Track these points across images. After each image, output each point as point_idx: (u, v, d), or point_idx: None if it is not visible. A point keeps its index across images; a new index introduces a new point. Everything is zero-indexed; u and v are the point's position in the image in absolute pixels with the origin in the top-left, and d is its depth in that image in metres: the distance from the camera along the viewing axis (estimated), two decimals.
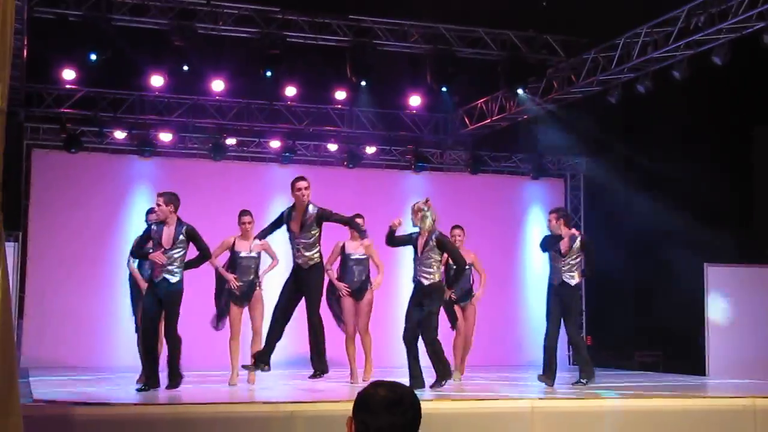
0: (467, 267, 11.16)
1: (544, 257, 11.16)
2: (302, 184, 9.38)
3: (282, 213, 9.61)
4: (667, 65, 12.13)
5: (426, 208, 9.65)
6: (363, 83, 13.33)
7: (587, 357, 10.39)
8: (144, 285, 9.88)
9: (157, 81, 14.06)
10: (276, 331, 9.44)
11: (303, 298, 9.41)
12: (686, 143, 14.64)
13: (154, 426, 6.97)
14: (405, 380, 8.96)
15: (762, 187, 15.82)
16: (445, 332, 10.33)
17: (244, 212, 10.36)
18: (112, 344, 14.07)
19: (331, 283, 10.57)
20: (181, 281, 9.19)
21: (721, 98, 13.88)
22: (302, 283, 9.37)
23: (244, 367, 9.92)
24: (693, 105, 13.71)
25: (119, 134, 15.06)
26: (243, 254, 10.18)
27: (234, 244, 10.26)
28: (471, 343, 11.63)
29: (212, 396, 9.12)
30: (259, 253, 10.25)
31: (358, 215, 10.83)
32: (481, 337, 15.65)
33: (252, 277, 10.18)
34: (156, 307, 9.18)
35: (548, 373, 10.16)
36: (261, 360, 9.46)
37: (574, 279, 10.27)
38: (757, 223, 15.66)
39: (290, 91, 14.66)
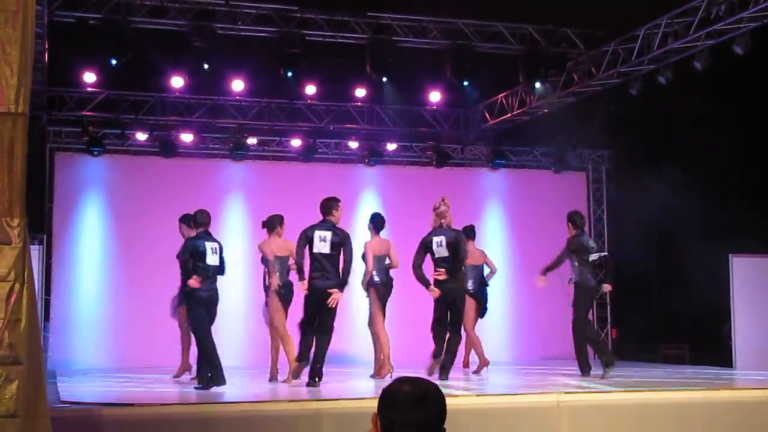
0: (475, 266, 11.76)
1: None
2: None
3: None
4: (688, 56, 12.04)
5: (436, 206, 10.27)
6: (384, 79, 13.27)
7: (600, 346, 11.01)
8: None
9: (177, 82, 14.09)
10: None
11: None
12: (709, 135, 14.53)
13: (180, 426, 7.00)
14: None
15: None
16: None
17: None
18: (137, 345, 14.13)
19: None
20: (189, 288, 9.61)
21: (743, 88, 13.77)
22: None
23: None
24: (715, 95, 13.61)
25: (141, 136, 15.13)
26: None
27: None
28: (470, 338, 11.77)
29: (239, 394, 9.15)
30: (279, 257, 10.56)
31: (377, 214, 11.15)
32: (505, 333, 15.71)
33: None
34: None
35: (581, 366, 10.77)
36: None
37: (572, 279, 10.83)
38: None
39: (310, 89, 14.65)
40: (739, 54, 11.16)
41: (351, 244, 9.62)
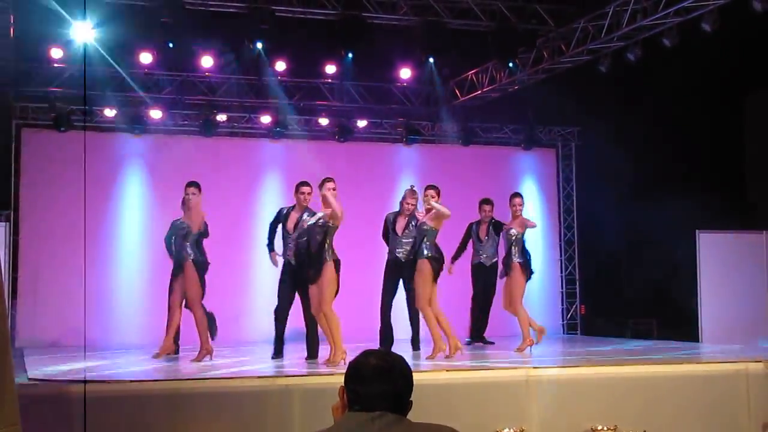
0: None
1: (537, 229, 11.61)
2: (306, 189, 10.47)
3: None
4: (656, 33, 12.07)
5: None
6: (351, 56, 13.25)
7: None
8: None
9: (145, 58, 13.97)
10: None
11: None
12: (677, 111, 14.62)
13: (150, 402, 6.99)
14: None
15: (753, 153, 15.86)
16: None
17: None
18: (107, 323, 14.06)
19: None
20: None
21: (711, 65, 13.84)
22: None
23: None
24: (684, 72, 13.68)
25: (109, 112, 14.98)
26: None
27: None
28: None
29: (208, 370, 9.13)
30: None
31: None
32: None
33: None
34: None
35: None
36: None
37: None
38: (749, 189, 15.70)
39: (280, 65, 14.57)
40: (707, 31, 11.21)
41: None
